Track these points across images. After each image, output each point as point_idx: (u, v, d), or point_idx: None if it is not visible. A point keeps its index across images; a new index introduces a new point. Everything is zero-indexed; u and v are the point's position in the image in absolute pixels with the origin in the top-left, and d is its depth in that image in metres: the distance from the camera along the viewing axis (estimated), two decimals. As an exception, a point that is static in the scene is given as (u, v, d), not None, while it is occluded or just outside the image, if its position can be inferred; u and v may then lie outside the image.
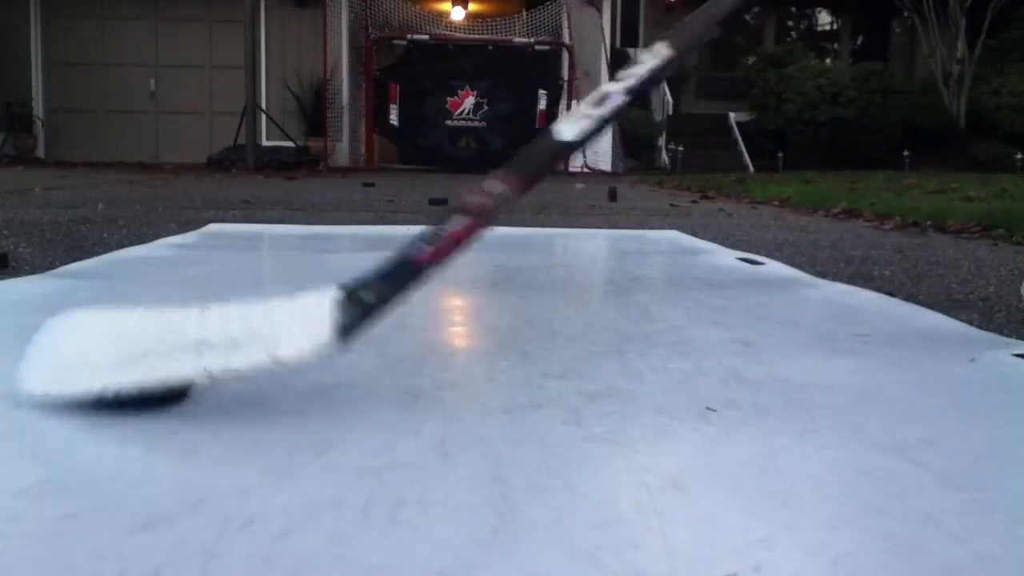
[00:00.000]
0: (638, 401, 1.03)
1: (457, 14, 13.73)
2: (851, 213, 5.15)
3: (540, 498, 0.73)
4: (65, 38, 13.79)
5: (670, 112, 13.92)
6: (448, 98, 12.33)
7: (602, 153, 11.92)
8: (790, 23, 16.78)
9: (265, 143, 12.53)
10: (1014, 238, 3.72)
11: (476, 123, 12.39)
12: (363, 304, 0.90)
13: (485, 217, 0.87)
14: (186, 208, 4.80)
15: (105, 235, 3.26)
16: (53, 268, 2.09)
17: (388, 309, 0.91)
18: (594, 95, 0.85)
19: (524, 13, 12.91)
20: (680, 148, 12.85)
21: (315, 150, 12.29)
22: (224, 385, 0.93)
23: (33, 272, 2.13)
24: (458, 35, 12.91)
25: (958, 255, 3.19)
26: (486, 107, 12.35)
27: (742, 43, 15.07)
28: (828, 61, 15.77)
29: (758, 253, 2.70)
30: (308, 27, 13.06)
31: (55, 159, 13.19)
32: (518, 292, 1.80)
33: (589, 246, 3.19)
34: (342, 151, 12.81)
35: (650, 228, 3.81)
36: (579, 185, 7.91)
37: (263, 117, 12.56)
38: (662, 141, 13.58)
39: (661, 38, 0.85)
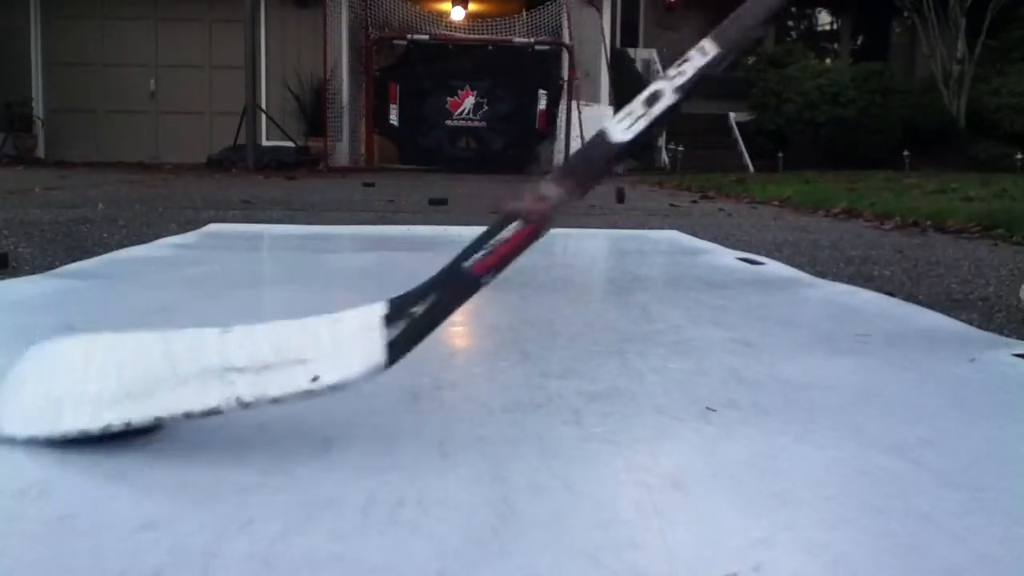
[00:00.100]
0: (638, 401, 1.03)
1: (457, 14, 13.73)
2: (851, 213, 5.15)
3: (540, 498, 0.73)
4: (65, 38, 13.79)
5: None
6: (448, 98, 12.33)
7: (602, 153, 11.90)
8: (790, 23, 16.78)
9: (265, 143, 12.54)
10: (1014, 238, 3.72)
11: (476, 123, 12.40)
12: (413, 319, 0.82)
13: (541, 222, 0.82)
14: (186, 208, 4.80)
15: (105, 235, 3.26)
16: (53, 268, 2.09)
17: (440, 322, 0.84)
18: (645, 93, 0.82)
19: (524, 13, 12.91)
20: (680, 148, 12.85)
21: (315, 150, 12.29)
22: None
23: (33, 272, 2.13)
24: (458, 35, 12.92)
25: (958, 255, 3.19)
26: (486, 107, 12.35)
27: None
28: (828, 61, 15.78)
29: (758, 253, 2.70)
30: (308, 27, 13.06)
31: (55, 159, 13.19)
32: (518, 292, 1.80)
33: (589, 246, 3.19)
34: (342, 151, 12.81)
35: (650, 228, 3.81)
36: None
37: (263, 117, 12.57)
38: (662, 141, 13.58)
39: (709, 36, 0.83)
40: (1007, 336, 1.55)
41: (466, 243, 0.85)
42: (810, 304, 1.81)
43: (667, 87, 0.82)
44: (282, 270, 2.48)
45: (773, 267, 2.35)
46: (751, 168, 13.14)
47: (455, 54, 12.42)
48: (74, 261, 2.20)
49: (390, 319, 0.82)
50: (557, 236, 3.23)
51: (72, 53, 13.77)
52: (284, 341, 0.83)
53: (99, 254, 2.37)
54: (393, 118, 12.31)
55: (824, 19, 16.97)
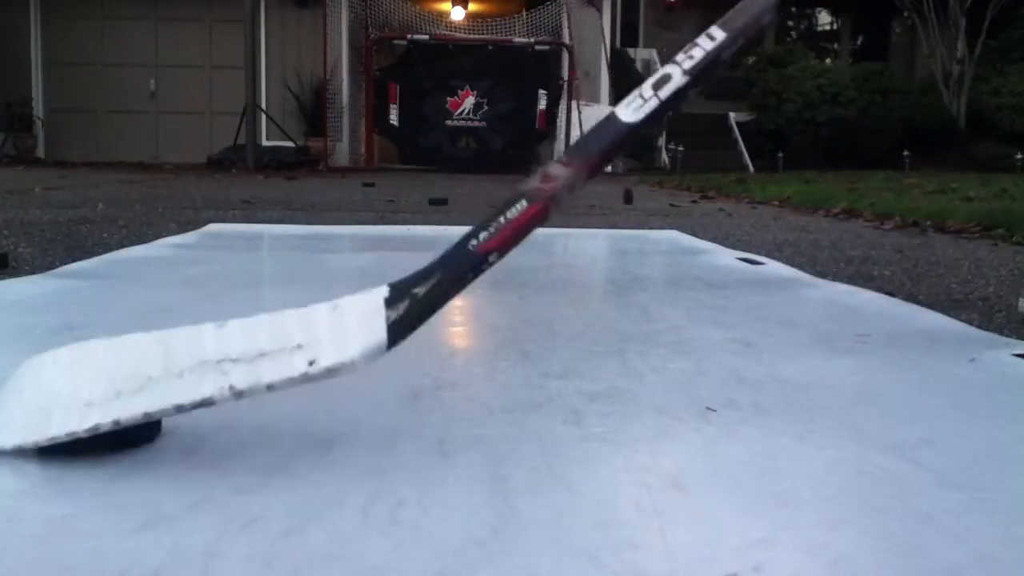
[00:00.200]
0: (638, 401, 1.03)
1: (457, 14, 13.73)
2: (851, 213, 5.15)
3: (540, 498, 0.73)
4: (65, 38, 13.79)
5: (670, 112, 13.91)
6: (448, 98, 12.33)
7: (602, 153, 11.91)
8: (790, 23, 16.78)
9: (265, 143, 12.54)
10: (1014, 238, 3.72)
11: (476, 123, 12.40)
12: (415, 299, 0.80)
13: (549, 202, 0.80)
14: (186, 208, 4.80)
15: (105, 235, 3.26)
16: (53, 268, 2.09)
17: (443, 303, 0.81)
18: (654, 77, 0.82)
19: (524, 13, 12.91)
20: (680, 148, 12.85)
21: (315, 150, 12.30)
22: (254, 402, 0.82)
23: (33, 272, 2.13)
24: (458, 35, 12.92)
25: (958, 255, 3.19)
26: (486, 107, 12.36)
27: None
28: (828, 61, 15.78)
29: (758, 253, 2.70)
30: (308, 27, 13.06)
31: (55, 159, 13.20)
32: (518, 292, 1.80)
33: (589, 246, 3.19)
34: (342, 151, 12.81)
35: (650, 228, 3.81)
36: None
37: (263, 117, 12.57)
38: (662, 141, 13.58)
39: (716, 23, 0.83)
40: (1007, 336, 1.55)
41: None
42: (810, 304, 1.81)
43: (676, 71, 0.82)
44: (282, 270, 2.48)
45: (773, 267, 2.35)
46: (751, 168, 13.14)
47: (455, 54, 12.42)
48: (74, 261, 2.20)
49: (391, 301, 0.80)
50: (557, 236, 3.23)
51: (72, 53, 13.77)
52: (281, 329, 0.80)
53: (99, 254, 2.37)
54: (393, 118, 12.32)
55: (824, 19, 16.97)
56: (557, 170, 0.82)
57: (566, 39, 12.63)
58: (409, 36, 12.36)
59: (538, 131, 12.37)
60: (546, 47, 12.55)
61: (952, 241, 3.74)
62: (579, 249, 3.13)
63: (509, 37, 12.55)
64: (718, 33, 0.82)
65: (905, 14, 14.62)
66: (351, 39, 13.08)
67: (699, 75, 0.81)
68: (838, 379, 1.16)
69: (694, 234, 3.37)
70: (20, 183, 6.99)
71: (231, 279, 2.07)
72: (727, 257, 2.56)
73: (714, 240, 3.17)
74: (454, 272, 0.81)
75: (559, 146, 11.94)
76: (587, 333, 1.47)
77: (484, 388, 1.08)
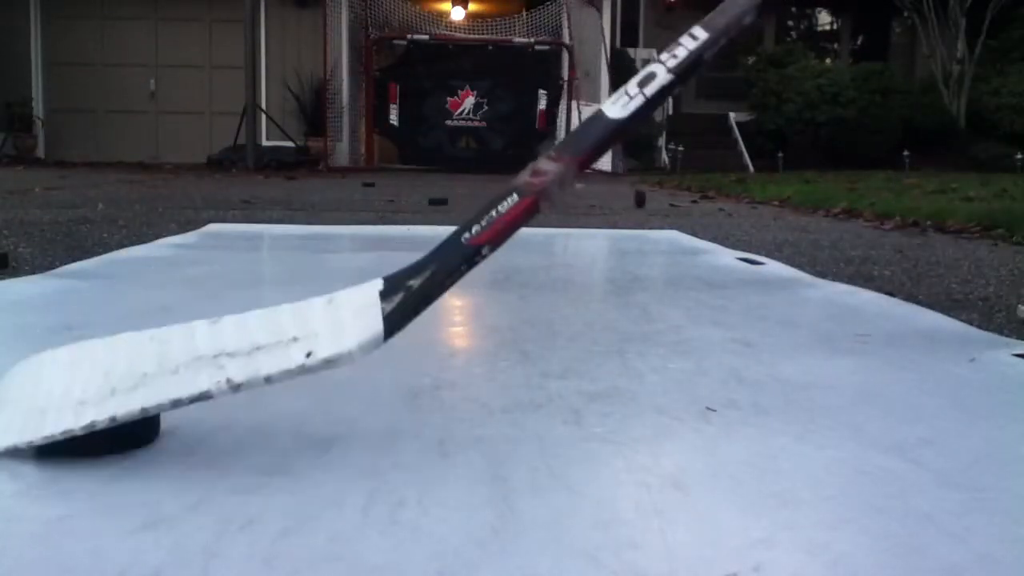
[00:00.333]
0: (638, 401, 1.03)
1: (457, 14, 13.73)
2: (851, 213, 5.15)
3: (540, 498, 0.73)
4: (65, 38, 13.79)
5: (670, 112, 13.92)
6: (448, 98, 12.34)
7: (602, 153, 11.92)
8: (790, 23, 16.78)
9: (265, 143, 12.54)
10: (1014, 238, 3.72)
11: (476, 123, 12.40)
12: (410, 291, 0.81)
13: (541, 196, 0.83)
14: (186, 208, 4.80)
15: (105, 235, 3.26)
16: (53, 268, 2.09)
17: (437, 295, 0.82)
18: (639, 75, 0.84)
19: (524, 13, 12.91)
20: (680, 148, 12.85)
21: (315, 150, 12.30)
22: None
23: (33, 272, 2.13)
24: (458, 35, 12.92)
25: (958, 255, 3.19)
26: (486, 107, 12.36)
27: (742, 43, 15.06)
28: (828, 61, 15.78)
29: (758, 253, 2.70)
30: (308, 27, 13.06)
31: (55, 159, 13.19)
32: (518, 292, 1.80)
33: (589, 246, 3.19)
34: (342, 151, 12.81)
35: (650, 228, 3.81)
36: (579, 185, 7.90)
37: (263, 117, 12.57)
38: (662, 141, 13.59)
39: (699, 23, 0.85)
40: (1007, 336, 1.55)
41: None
42: (810, 304, 1.81)
43: (660, 69, 0.84)
44: (282, 270, 2.48)
45: (773, 267, 2.35)
46: (751, 168, 13.14)
47: (455, 54, 12.42)
48: (74, 261, 2.20)
49: (386, 294, 0.81)
50: (557, 236, 3.23)
51: (72, 53, 13.77)
52: (277, 323, 0.81)
53: (99, 254, 2.37)
54: (393, 118, 12.32)
55: (824, 19, 16.97)
56: (547, 165, 0.83)
57: (566, 39, 12.63)
58: (409, 36, 12.36)
59: (538, 131, 12.37)
60: (546, 47, 12.55)
61: (952, 241, 3.74)
62: (579, 249, 3.13)
63: (509, 37, 12.55)
64: (700, 33, 0.84)
65: (905, 14, 14.62)
66: (351, 39, 13.08)
67: (682, 73, 0.84)
68: (838, 379, 1.16)
69: (694, 234, 3.37)
70: (20, 183, 6.99)
71: (231, 279, 2.07)
72: (727, 257, 2.56)
73: (714, 240, 3.17)
74: (448, 264, 0.82)
75: (559, 146, 11.92)
76: (587, 333, 1.47)
77: (484, 388, 1.08)
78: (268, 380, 0.78)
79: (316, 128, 12.65)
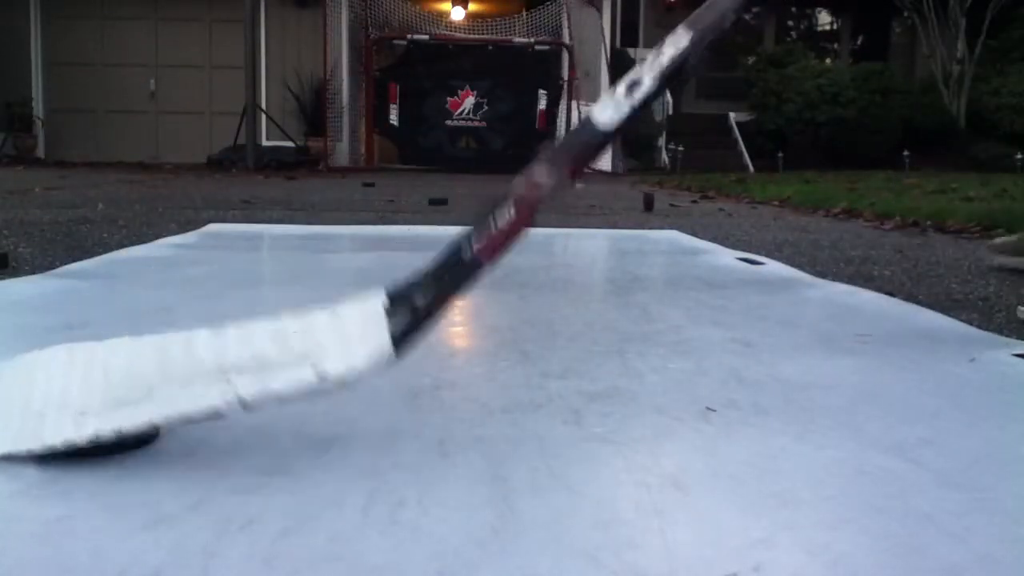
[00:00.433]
0: (638, 401, 1.03)
1: (457, 14, 13.73)
2: (851, 213, 5.15)
3: (540, 498, 0.73)
4: (65, 38, 13.79)
5: (670, 112, 13.93)
6: (448, 98, 12.33)
7: (602, 153, 11.93)
8: (790, 23, 16.78)
9: (265, 143, 12.53)
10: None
11: (476, 123, 12.39)
12: (416, 310, 0.80)
13: (535, 206, 0.82)
14: (186, 208, 4.80)
15: (105, 235, 3.26)
16: (53, 268, 2.09)
17: (442, 313, 0.82)
18: (625, 80, 0.85)
19: (524, 13, 12.91)
20: (680, 148, 12.85)
21: (315, 150, 12.29)
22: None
23: (33, 272, 2.13)
24: (458, 35, 12.91)
25: (958, 255, 3.19)
26: (486, 107, 12.35)
27: (742, 43, 15.06)
28: (828, 61, 15.77)
29: (758, 253, 2.70)
30: (308, 27, 13.06)
31: (55, 159, 13.19)
32: (518, 292, 1.80)
33: (589, 246, 3.19)
34: (342, 151, 12.81)
35: (650, 228, 3.81)
36: (578, 185, 7.90)
37: (263, 117, 12.56)
38: (662, 141, 13.58)
39: (682, 23, 0.85)
40: (1007, 336, 1.55)
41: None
42: (810, 304, 1.81)
43: (646, 74, 0.84)
44: (282, 270, 2.48)
45: (773, 267, 2.35)
46: (751, 168, 13.14)
47: (455, 54, 12.41)
48: (74, 261, 2.20)
49: (392, 311, 0.81)
50: (557, 236, 3.23)
51: (72, 53, 13.77)
52: (284, 338, 0.80)
53: (99, 254, 2.37)
54: (393, 118, 12.31)
55: (824, 19, 16.96)
56: (542, 176, 0.84)
57: (566, 39, 12.63)
58: (409, 36, 12.35)
59: (538, 131, 12.36)
60: (546, 47, 12.55)
61: (952, 241, 3.74)
62: (579, 249, 3.13)
63: (509, 37, 12.55)
64: (684, 34, 0.84)
65: (905, 14, 14.61)
66: (351, 39, 13.08)
67: (669, 77, 0.84)
68: (838, 379, 1.16)
69: (694, 234, 3.37)
70: (20, 183, 6.99)
71: (231, 279, 2.07)
72: (727, 257, 2.56)
73: (714, 240, 3.17)
74: (449, 281, 0.82)
75: (559, 146, 11.92)
76: (587, 333, 1.47)
77: (484, 388, 1.08)
78: (280, 400, 0.79)
79: (316, 128, 12.65)
